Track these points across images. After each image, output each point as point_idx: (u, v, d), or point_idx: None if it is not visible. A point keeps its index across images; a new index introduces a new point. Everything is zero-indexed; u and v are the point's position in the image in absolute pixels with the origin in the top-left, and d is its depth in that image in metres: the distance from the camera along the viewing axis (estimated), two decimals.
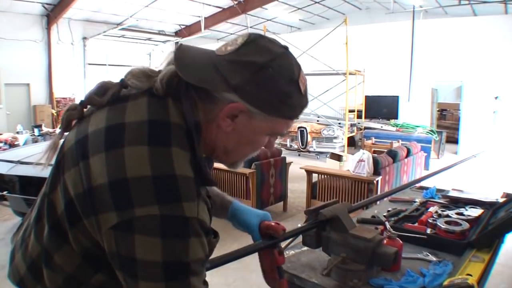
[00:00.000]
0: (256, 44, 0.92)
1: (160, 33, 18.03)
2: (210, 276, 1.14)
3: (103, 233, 0.85)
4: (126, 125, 0.89)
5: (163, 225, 0.81)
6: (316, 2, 16.41)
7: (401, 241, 1.68)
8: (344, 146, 11.22)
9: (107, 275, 0.95)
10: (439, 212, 2.24)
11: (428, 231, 2.00)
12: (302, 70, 0.96)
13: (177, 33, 18.74)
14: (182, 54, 0.94)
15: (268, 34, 12.21)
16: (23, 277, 1.06)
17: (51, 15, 13.99)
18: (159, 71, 0.97)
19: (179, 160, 0.86)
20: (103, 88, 0.99)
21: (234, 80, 0.89)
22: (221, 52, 0.93)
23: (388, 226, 1.82)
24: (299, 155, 11.62)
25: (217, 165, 1.13)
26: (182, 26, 18.38)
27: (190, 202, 0.84)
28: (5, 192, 4.67)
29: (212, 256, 1.17)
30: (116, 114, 0.93)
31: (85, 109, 1.01)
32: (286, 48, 0.96)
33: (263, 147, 1.08)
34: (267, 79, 0.90)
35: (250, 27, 17.58)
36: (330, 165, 7.84)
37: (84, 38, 15.74)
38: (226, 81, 0.89)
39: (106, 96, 0.97)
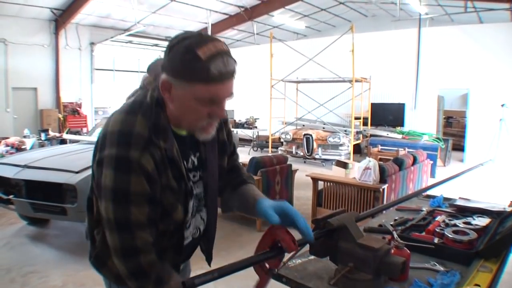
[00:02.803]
0: (177, 36, 1.25)
1: (167, 39, 18.06)
2: (214, 283, 1.15)
3: (93, 169, 1.32)
4: (123, 104, 1.38)
5: (115, 161, 1.21)
6: (322, 10, 16.44)
7: (408, 251, 1.67)
8: (350, 153, 11.21)
9: None
10: (447, 221, 2.23)
11: (436, 240, 1.98)
12: (211, 44, 1.20)
13: None
14: (155, 62, 1.47)
15: (274, 41, 12.27)
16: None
17: (59, 20, 14.10)
18: None
19: (139, 124, 1.25)
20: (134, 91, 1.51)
21: (163, 62, 1.26)
22: None
23: (395, 235, 1.81)
24: (304, 162, 11.61)
25: None
26: None
27: (136, 150, 1.21)
28: (11, 196, 4.70)
29: (219, 265, 1.18)
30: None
31: None
32: (199, 33, 1.25)
33: (213, 117, 1.31)
34: (173, 54, 1.21)
35: (257, 33, 17.65)
36: (336, 173, 7.81)
37: (92, 44, 15.84)
38: (162, 65, 1.27)
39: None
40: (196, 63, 1.16)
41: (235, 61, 1.25)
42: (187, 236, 1.49)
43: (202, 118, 1.29)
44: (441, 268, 1.76)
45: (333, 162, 8.81)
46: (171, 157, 1.29)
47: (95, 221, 1.43)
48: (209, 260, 1.67)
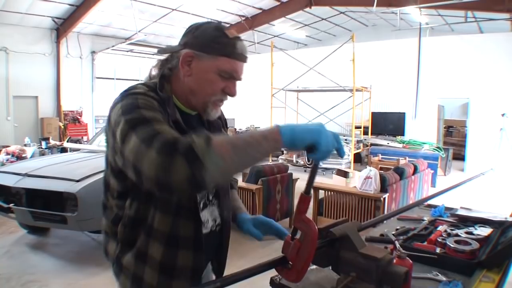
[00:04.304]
0: (201, 22, 1.43)
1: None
2: None
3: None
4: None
5: (122, 106, 1.22)
6: (322, 19, 16.53)
7: (411, 261, 1.66)
8: (350, 162, 11.21)
9: (133, 197, 1.35)
10: (448, 231, 2.22)
11: (438, 250, 1.97)
12: (231, 30, 1.38)
13: None
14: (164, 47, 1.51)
15: (275, 50, 12.31)
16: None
17: (61, 29, 14.16)
18: None
19: (141, 88, 1.32)
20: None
21: (183, 41, 1.40)
22: None
23: (397, 245, 1.81)
24: (305, 171, 11.60)
25: None
26: None
27: (142, 89, 1.31)
28: (11, 205, 4.69)
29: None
30: None
31: None
32: (219, 22, 1.47)
33: (226, 93, 1.41)
34: (201, 31, 1.37)
35: (257, 43, 17.71)
36: (336, 182, 7.81)
37: (93, 52, 15.89)
38: (180, 44, 1.40)
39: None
40: (224, 39, 1.34)
41: None
42: (204, 220, 1.48)
43: (217, 92, 1.39)
44: (443, 278, 1.75)
45: (334, 171, 8.82)
46: (175, 121, 1.32)
47: (114, 217, 1.40)
48: (218, 271, 1.69)
